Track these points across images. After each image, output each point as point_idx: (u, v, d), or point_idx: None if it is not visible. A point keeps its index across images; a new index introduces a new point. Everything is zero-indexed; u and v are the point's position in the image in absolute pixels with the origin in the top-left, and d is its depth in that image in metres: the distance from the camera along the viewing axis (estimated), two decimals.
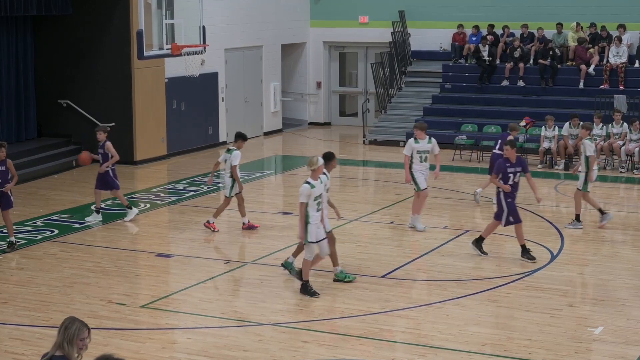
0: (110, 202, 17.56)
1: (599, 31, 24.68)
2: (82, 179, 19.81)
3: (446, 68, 26.00)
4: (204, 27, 18.11)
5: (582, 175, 15.63)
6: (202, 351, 10.11)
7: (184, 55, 17.65)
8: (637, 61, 24.25)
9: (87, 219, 15.99)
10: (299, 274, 12.21)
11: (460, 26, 26.21)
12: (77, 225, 15.84)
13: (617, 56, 23.95)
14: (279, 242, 14.79)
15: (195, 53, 18.04)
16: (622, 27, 24.44)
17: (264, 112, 26.48)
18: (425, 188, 15.48)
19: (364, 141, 25.12)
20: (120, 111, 21.49)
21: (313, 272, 13.29)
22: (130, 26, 20.89)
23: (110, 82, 21.49)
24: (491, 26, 25.82)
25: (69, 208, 16.33)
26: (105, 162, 15.82)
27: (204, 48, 18.27)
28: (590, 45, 24.58)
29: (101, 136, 15.85)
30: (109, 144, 15.83)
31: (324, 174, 12.14)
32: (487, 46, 25.16)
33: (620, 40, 23.92)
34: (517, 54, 24.90)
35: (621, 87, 23.65)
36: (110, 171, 15.92)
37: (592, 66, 24.15)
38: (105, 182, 15.94)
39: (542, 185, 19.98)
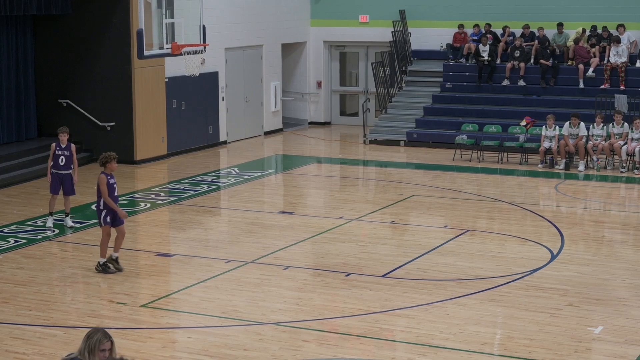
0: None
1: (599, 31, 24.67)
2: (82, 179, 19.78)
3: (447, 67, 26.00)
4: (204, 27, 18.10)
5: None
6: (203, 350, 10.12)
7: (184, 54, 17.64)
8: (638, 61, 24.24)
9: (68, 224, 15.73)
10: None
11: (461, 26, 26.21)
12: (78, 225, 15.85)
13: (617, 56, 23.95)
14: (279, 241, 14.80)
15: (195, 52, 18.03)
16: (621, 26, 24.43)
17: (264, 112, 26.48)
18: None
19: (364, 141, 25.13)
20: (120, 111, 21.49)
21: (313, 272, 13.31)
22: (130, 25, 20.89)
23: (110, 82, 21.49)
24: (488, 25, 25.81)
25: (70, 207, 16.30)
26: (73, 165, 15.59)
27: (204, 47, 18.26)
28: (590, 47, 24.52)
29: (64, 137, 15.52)
30: (74, 147, 15.69)
31: None
32: (487, 45, 25.15)
33: (618, 40, 23.91)
34: (517, 54, 24.89)
35: (622, 87, 23.64)
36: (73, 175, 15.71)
37: (591, 69, 24.12)
38: (72, 186, 15.73)
39: (543, 184, 20.03)
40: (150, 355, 10.00)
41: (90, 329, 6.59)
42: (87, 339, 6.53)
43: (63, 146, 15.47)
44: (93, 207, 17.14)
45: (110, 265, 13.04)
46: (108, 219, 12.86)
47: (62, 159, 15.45)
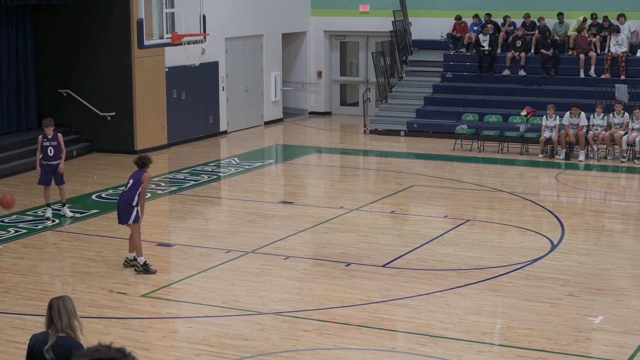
0: (110, 191, 17.59)
1: (600, 21, 24.62)
2: (82, 169, 19.82)
3: (447, 57, 25.95)
4: (204, 16, 18.08)
5: None
6: (203, 340, 10.14)
7: (185, 44, 17.64)
8: (638, 51, 24.20)
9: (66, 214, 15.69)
10: None
11: (459, 17, 26.15)
12: (77, 215, 15.85)
13: (617, 45, 23.92)
14: (280, 231, 14.80)
15: (195, 42, 18.02)
16: (622, 16, 24.39)
17: (265, 102, 26.45)
18: None
19: (364, 131, 25.11)
20: (120, 100, 21.48)
21: (313, 262, 13.32)
22: (130, 15, 20.86)
23: (110, 72, 21.47)
24: (488, 15, 25.78)
25: (69, 198, 16.32)
26: (61, 156, 15.46)
27: (205, 37, 18.25)
28: (592, 37, 24.47)
29: (49, 130, 15.35)
30: (60, 136, 15.61)
31: None
32: (487, 35, 25.11)
33: (618, 30, 23.87)
34: (519, 44, 24.84)
35: (622, 77, 23.60)
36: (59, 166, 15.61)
37: (592, 67, 24.02)
38: (61, 176, 15.56)
39: (543, 174, 20.03)
40: (151, 345, 10.01)
41: (53, 303, 6.21)
42: (64, 310, 6.22)
43: (49, 137, 15.37)
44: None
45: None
46: (139, 217, 12.61)
47: (50, 150, 15.36)
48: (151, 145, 21.89)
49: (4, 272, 12.68)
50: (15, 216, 15.69)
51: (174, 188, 18.16)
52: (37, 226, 15.13)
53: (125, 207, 12.55)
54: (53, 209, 15.67)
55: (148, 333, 10.39)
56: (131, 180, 12.67)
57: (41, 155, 15.38)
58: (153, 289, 11.96)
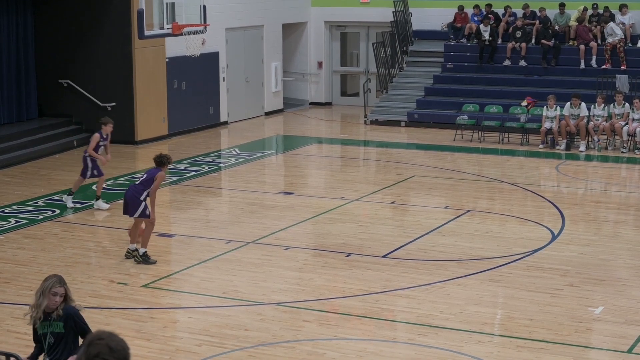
0: (111, 182, 17.58)
1: (601, 11, 24.58)
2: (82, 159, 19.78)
3: (448, 48, 25.92)
4: (204, 7, 18.05)
5: None
6: (204, 330, 10.15)
7: (185, 34, 17.60)
8: (639, 41, 24.16)
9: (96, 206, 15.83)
10: None
11: (461, 7, 26.11)
12: (78, 205, 15.86)
13: (611, 35, 23.86)
14: (280, 222, 14.81)
15: (196, 32, 17.98)
16: (625, 7, 24.34)
17: (265, 92, 26.43)
18: None
19: (365, 121, 25.09)
20: (121, 91, 21.46)
21: (314, 252, 13.33)
22: (130, 5, 20.82)
23: (111, 62, 21.45)
24: (489, 6, 25.73)
25: (70, 188, 16.31)
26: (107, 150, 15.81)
27: (205, 27, 18.21)
28: (593, 27, 24.43)
29: (109, 128, 15.71)
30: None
31: None
32: (488, 26, 25.07)
33: (606, 21, 23.85)
34: (519, 34, 24.81)
35: (623, 67, 23.57)
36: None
37: (594, 57, 23.99)
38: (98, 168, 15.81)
39: (544, 165, 20.02)
40: (152, 335, 10.03)
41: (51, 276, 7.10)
42: (42, 282, 7.02)
43: (105, 136, 15.62)
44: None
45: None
46: (148, 212, 12.52)
47: (100, 148, 15.67)
48: (152, 135, 21.89)
49: (4, 262, 12.69)
50: (15, 207, 15.70)
51: (175, 178, 18.16)
52: (37, 216, 15.14)
53: (132, 199, 12.53)
54: (56, 199, 15.72)
55: (149, 323, 10.41)
56: (145, 175, 12.71)
57: (91, 151, 15.54)
58: (153, 279, 11.97)
